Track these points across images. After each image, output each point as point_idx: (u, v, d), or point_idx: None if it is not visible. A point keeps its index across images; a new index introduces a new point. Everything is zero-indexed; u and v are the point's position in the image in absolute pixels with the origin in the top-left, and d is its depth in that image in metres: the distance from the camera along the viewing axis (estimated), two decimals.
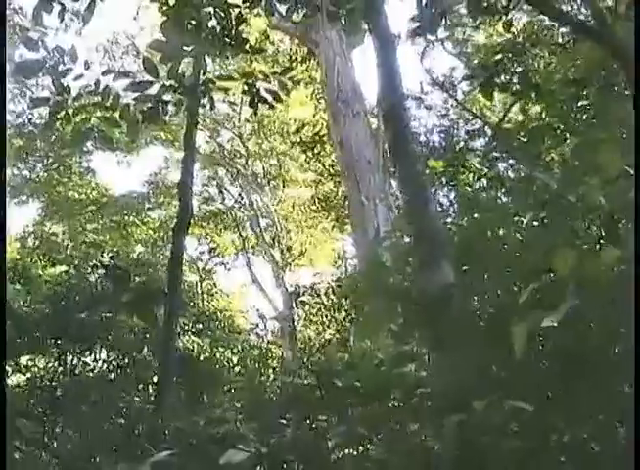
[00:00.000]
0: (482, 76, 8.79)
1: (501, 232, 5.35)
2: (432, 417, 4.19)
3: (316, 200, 25.41)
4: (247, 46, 8.46)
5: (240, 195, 28.32)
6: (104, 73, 8.01)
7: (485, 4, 8.31)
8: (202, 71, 8.11)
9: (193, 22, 7.99)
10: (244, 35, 8.39)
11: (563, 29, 13.94)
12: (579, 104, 9.26)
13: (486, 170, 8.86)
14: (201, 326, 11.71)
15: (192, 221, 8.21)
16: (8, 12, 16.55)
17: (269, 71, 8.87)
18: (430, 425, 4.12)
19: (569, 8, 12.27)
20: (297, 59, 21.68)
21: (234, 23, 8.19)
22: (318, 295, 21.32)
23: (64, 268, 12.54)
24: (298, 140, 23.73)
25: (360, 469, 4.27)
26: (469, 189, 8.45)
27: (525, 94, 9.15)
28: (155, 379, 9.23)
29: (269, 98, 8.65)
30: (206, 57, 8.30)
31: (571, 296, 2.95)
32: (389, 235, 7.83)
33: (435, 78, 17.36)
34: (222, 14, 8.17)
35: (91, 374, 10.12)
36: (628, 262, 3.13)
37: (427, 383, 4.53)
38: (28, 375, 9.98)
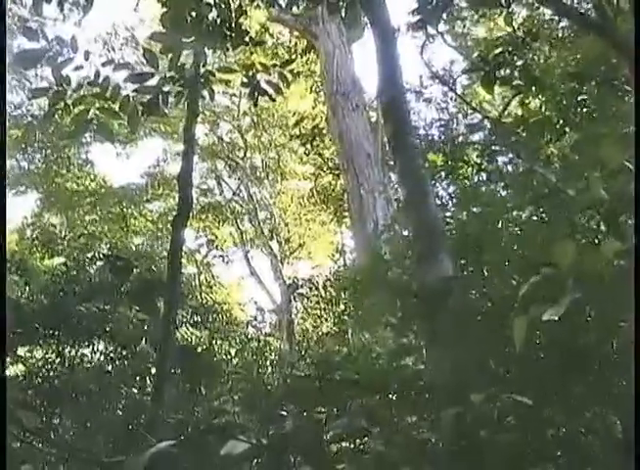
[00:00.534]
0: (483, 70, 8.80)
1: (500, 226, 5.36)
2: (429, 410, 4.20)
3: (315, 193, 25.37)
4: (247, 38, 8.45)
5: (238, 187, 28.32)
6: (104, 65, 7.98)
7: None
8: (202, 63, 8.09)
9: (193, 14, 7.97)
10: (244, 27, 8.38)
11: (563, 23, 13.94)
12: (579, 98, 9.26)
13: (486, 164, 8.86)
14: (199, 318, 11.70)
15: (190, 214, 8.19)
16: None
17: (269, 64, 8.85)
18: (428, 418, 4.13)
19: (569, 1, 12.25)
20: (296, 51, 21.64)
21: (234, 15, 8.18)
22: (316, 288, 21.32)
23: (62, 260, 12.53)
24: (298, 133, 23.68)
25: (359, 461, 4.29)
26: (468, 183, 8.45)
27: (526, 88, 9.16)
28: (153, 371, 9.24)
29: (269, 90, 8.64)
30: (206, 49, 8.27)
31: (571, 289, 2.95)
32: (388, 228, 7.87)
33: (435, 72, 17.34)
34: (222, 5, 8.16)
35: (89, 365, 10.13)
36: (628, 256, 3.13)
37: (425, 376, 4.54)
38: (26, 366, 9.99)
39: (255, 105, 9.26)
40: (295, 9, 9.47)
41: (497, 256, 4.86)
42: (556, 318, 2.89)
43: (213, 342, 11.80)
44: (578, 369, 3.65)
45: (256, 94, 8.64)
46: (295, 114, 24.20)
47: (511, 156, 8.54)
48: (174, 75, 8.03)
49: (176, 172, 9.43)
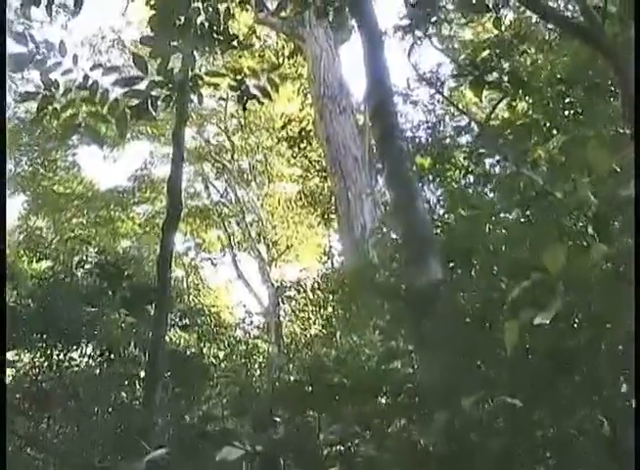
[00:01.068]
0: (472, 74, 8.82)
1: (488, 228, 5.38)
2: (420, 414, 4.21)
3: (302, 195, 25.36)
4: (235, 42, 8.45)
5: (226, 190, 28.28)
6: (92, 68, 7.97)
7: (474, 1, 8.33)
8: (191, 67, 8.09)
9: (182, 17, 7.97)
10: (232, 31, 8.38)
11: (549, 26, 13.98)
12: (566, 101, 9.31)
13: (473, 167, 8.88)
14: (187, 321, 11.70)
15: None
16: None
17: (258, 68, 8.86)
18: (418, 421, 4.14)
19: (555, 5, 12.30)
20: (283, 54, 21.66)
21: (222, 18, 8.19)
22: (304, 290, 21.28)
23: (49, 263, 12.50)
24: (285, 135, 23.65)
25: (350, 465, 4.29)
26: (455, 185, 8.47)
27: (513, 91, 9.18)
28: (142, 374, 9.22)
29: (258, 95, 8.65)
30: (195, 53, 8.27)
31: (561, 293, 2.97)
32: (376, 231, 7.89)
33: (422, 74, 17.34)
34: (211, 9, 8.16)
35: (77, 369, 10.11)
36: (616, 259, 3.16)
37: (415, 379, 4.55)
38: (14, 371, 9.96)
39: (244, 109, 9.27)
40: (282, 13, 9.47)
41: (485, 258, 4.87)
42: (547, 322, 2.91)
43: (202, 345, 11.80)
44: (568, 371, 3.67)
45: (245, 98, 8.65)
46: (282, 116, 24.16)
47: (498, 158, 8.56)
48: (163, 79, 8.02)
49: (163, 175, 9.45)
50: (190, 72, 8.08)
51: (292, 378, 5.31)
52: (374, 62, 6.53)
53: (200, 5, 8.16)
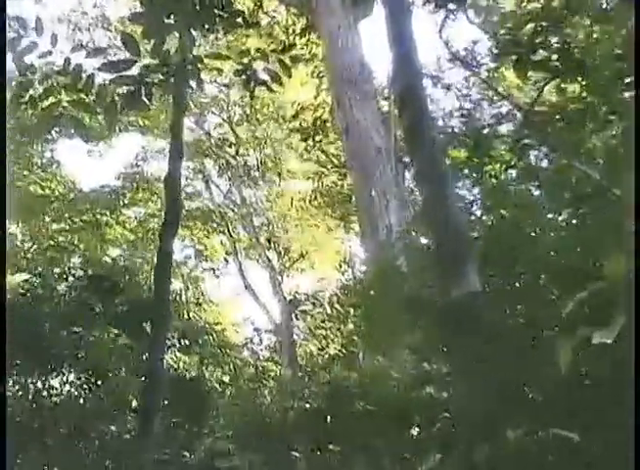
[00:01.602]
0: (513, 52, 8.76)
1: (534, 232, 5.35)
2: (458, 447, 4.18)
3: (318, 195, 25.36)
4: (240, 19, 8.43)
5: (230, 190, 28.31)
6: (74, 50, 7.98)
7: None
8: (189, 49, 8.07)
9: None
10: (236, 6, 8.38)
11: None
12: (627, 81, 9.22)
13: (516, 160, 8.84)
14: (187, 341, 11.69)
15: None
16: None
17: (266, 49, 8.83)
18: (456, 456, 4.11)
19: None
20: (295, 32, 21.65)
21: None
22: (321, 304, 21.35)
23: (25, 276, 12.49)
24: (297, 126, 23.66)
25: None
26: (496, 182, 8.44)
27: (564, 71, 9.09)
28: (135, 404, 9.22)
29: (267, 79, 8.62)
30: (194, 32, 8.26)
31: (624, 306, 2.93)
32: (404, 235, 7.85)
33: (456, 53, 17.28)
34: None
35: (58, 399, 10.07)
36: None
37: (451, 407, 4.52)
38: None
39: (252, 97, 9.25)
40: None
41: (532, 266, 4.84)
42: (609, 341, 2.85)
43: (204, 368, 11.80)
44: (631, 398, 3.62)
45: (253, 84, 8.62)
46: (294, 104, 24.16)
47: (545, 150, 8.52)
48: (157, 63, 8.00)
49: (158, 173, 9.42)
50: (188, 55, 8.07)
51: (308, 406, 5.28)
52: (400, 39, 6.52)
53: None
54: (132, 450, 6.96)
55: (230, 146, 27.36)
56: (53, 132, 23.18)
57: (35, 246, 24.71)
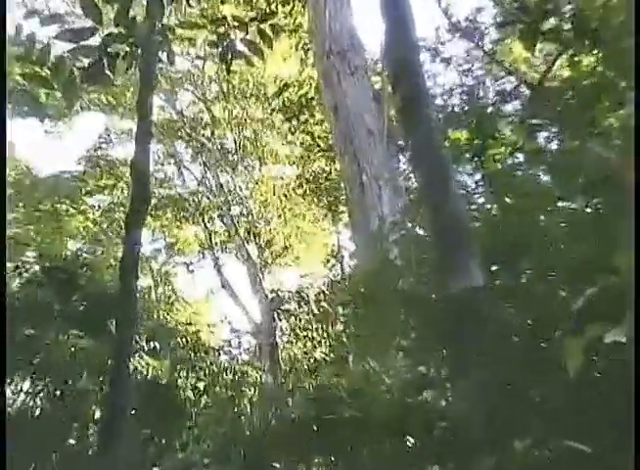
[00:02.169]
0: (521, 21, 8.74)
1: (543, 221, 5.37)
2: (457, 458, 4.20)
3: (304, 181, 25.41)
4: None
5: (205, 176, 28.27)
6: (27, 16, 7.93)
7: None
8: (158, 16, 8.03)
9: None
10: None
11: None
12: None
13: (523, 142, 8.86)
14: (157, 344, 11.68)
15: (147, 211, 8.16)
16: None
17: (246, 17, 8.80)
18: (455, 468, 4.13)
19: None
20: (276, 0, 21.63)
21: None
22: (307, 302, 21.37)
23: None
24: (280, 105, 23.68)
25: None
26: (500, 167, 8.45)
27: (577, 42, 9.07)
28: (98, 414, 9.21)
29: (246, 52, 8.59)
30: None
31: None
32: (399, 226, 7.85)
33: (456, 23, 17.31)
34: None
35: (9, 410, 10.04)
36: None
37: (449, 414, 4.54)
38: None
39: (228, 71, 9.23)
40: None
41: (540, 259, 4.86)
42: (623, 340, 2.87)
43: (177, 374, 11.79)
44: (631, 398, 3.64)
45: (230, 57, 8.59)
46: (276, 80, 24.18)
47: (556, 130, 8.53)
48: (122, 32, 7.96)
49: (124, 156, 9.40)
50: (157, 23, 8.03)
51: (293, 415, 5.29)
52: (394, 6, 6.52)
53: None
54: (94, 468, 6.94)
55: (205, 127, 27.34)
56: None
57: None
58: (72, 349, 10.40)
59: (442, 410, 4.62)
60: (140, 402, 9.05)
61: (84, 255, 21.63)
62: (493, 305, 4.81)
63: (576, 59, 9.90)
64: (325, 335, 18.94)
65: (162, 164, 28.19)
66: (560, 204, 5.40)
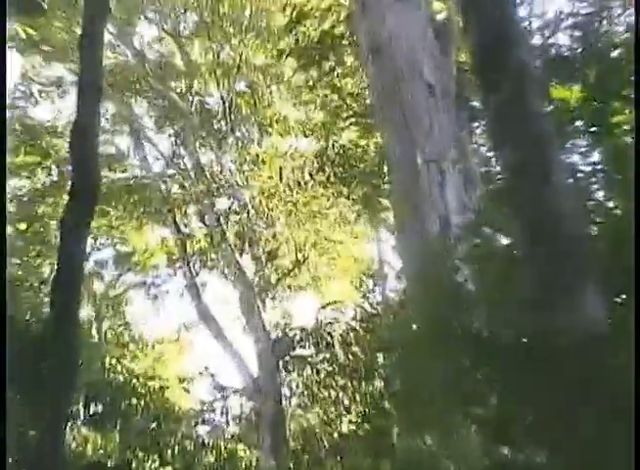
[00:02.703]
0: None
1: None
2: None
3: (326, 162, 25.37)
4: None
5: (176, 152, 28.30)
6: None
7: None
8: None
9: None
10: None
11: None
12: None
13: None
14: (100, 407, 11.69)
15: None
16: None
17: None
18: None
19: None
20: None
21: None
22: (328, 345, 21.39)
23: None
24: (293, 45, 23.69)
25: None
26: (629, 141, 8.42)
27: None
28: None
29: None
30: None
31: None
32: (471, 232, 7.83)
33: None
34: None
35: None
36: None
37: None
38: None
39: None
40: None
41: None
42: None
43: (131, 454, 11.81)
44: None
45: None
46: (286, 6, 24.14)
47: None
48: None
49: (53, 120, 9.29)
50: None
51: None
52: None
53: None
54: None
55: (177, 77, 27.34)
56: None
57: None
58: None
59: None
60: None
61: None
62: (624, 351, 4.76)
63: None
64: (356, 396, 18.98)
65: (113, 134, 28.19)
66: None
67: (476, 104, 13.66)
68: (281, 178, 27.07)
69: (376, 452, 12.33)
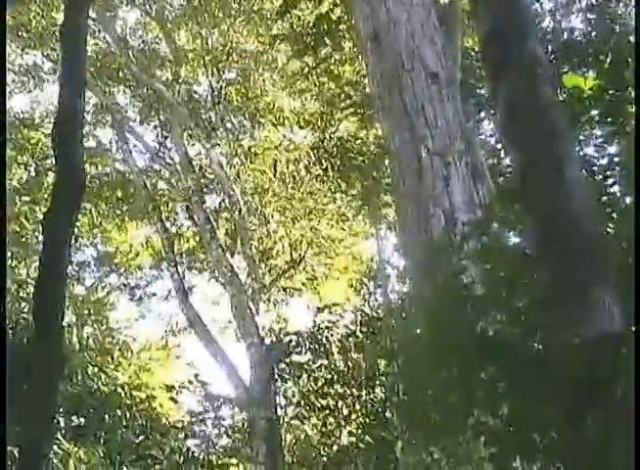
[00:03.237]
0: None
1: None
2: None
3: (323, 154, 25.38)
4: None
5: (162, 143, 28.30)
6: None
7: None
8: None
9: None
10: None
11: None
12: None
13: None
14: (82, 420, 11.68)
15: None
16: None
17: None
18: None
19: None
20: None
21: None
22: (327, 352, 21.37)
23: None
24: (287, 30, 23.73)
25: None
26: None
27: None
28: None
29: None
30: None
31: None
32: (478, 229, 7.84)
33: None
34: None
35: None
36: None
37: None
38: None
39: None
40: None
41: None
42: None
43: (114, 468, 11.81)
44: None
45: None
46: None
47: None
48: None
49: (26, 112, 9.28)
50: None
51: None
52: None
53: None
54: None
55: (162, 64, 27.37)
56: None
57: None
58: None
59: None
60: None
61: None
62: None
63: None
64: (357, 405, 18.96)
65: (92, 125, 28.17)
66: None
67: (483, 92, 13.69)
68: (275, 172, 27.08)
69: (379, 466, 12.31)
